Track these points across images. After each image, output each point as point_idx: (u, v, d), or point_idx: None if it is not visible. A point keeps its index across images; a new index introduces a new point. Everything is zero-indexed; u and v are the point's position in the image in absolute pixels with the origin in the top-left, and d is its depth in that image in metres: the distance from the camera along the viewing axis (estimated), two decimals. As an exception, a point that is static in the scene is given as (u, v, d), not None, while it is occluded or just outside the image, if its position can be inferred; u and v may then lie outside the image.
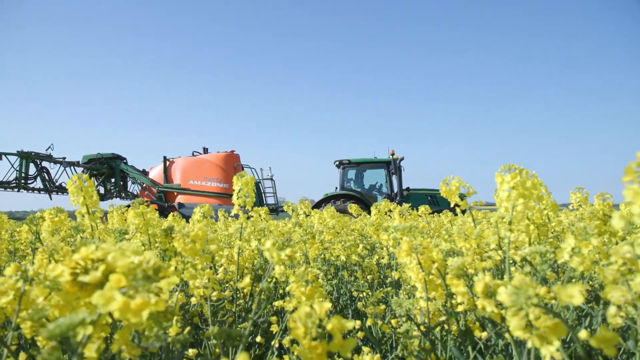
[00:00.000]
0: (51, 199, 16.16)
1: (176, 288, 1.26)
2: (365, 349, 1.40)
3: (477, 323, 1.54)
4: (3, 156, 14.75)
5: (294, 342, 1.60)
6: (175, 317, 1.25)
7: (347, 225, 4.11)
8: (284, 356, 1.61)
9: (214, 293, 1.68)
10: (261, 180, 17.15)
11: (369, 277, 2.50)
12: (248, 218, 2.34)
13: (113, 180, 17.51)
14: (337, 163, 15.48)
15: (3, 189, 15.25)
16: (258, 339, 1.82)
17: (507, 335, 1.27)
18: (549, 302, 1.17)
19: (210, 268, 1.87)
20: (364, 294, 2.42)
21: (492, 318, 1.03)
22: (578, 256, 1.10)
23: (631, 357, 1.53)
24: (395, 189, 14.78)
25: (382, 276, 2.87)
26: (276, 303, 1.44)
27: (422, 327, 1.35)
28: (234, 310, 2.01)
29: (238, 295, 2.19)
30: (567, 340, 1.48)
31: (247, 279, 1.18)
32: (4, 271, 1.72)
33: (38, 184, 15.69)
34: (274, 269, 1.20)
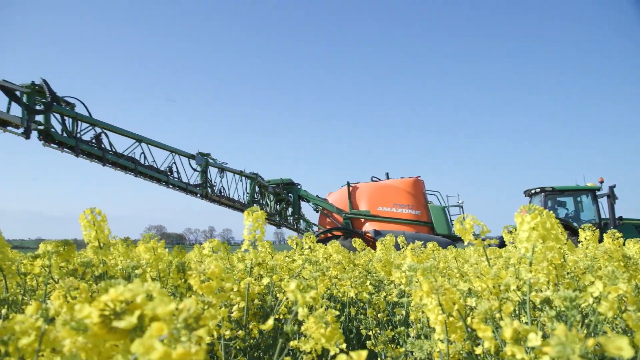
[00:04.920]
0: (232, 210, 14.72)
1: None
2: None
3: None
4: (187, 159, 13.19)
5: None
6: None
7: (351, 260, 4.07)
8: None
9: (227, 332, 1.65)
10: (448, 207, 16.50)
11: (379, 315, 2.46)
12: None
13: (285, 205, 16.83)
14: (538, 190, 14.60)
15: (185, 192, 13.13)
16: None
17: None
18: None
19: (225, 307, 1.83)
20: (373, 332, 2.37)
21: (522, 365, 1.00)
22: (607, 301, 1.08)
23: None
24: (604, 217, 13.82)
25: (390, 314, 2.83)
26: (292, 343, 1.40)
27: (441, 371, 1.32)
28: (244, 347, 1.97)
29: (250, 335, 2.15)
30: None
31: (270, 321, 1.16)
32: (11, 307, 1.68)
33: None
34: (283, 306, 1.18)
